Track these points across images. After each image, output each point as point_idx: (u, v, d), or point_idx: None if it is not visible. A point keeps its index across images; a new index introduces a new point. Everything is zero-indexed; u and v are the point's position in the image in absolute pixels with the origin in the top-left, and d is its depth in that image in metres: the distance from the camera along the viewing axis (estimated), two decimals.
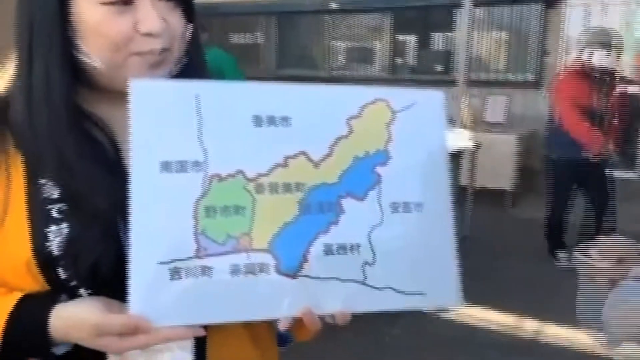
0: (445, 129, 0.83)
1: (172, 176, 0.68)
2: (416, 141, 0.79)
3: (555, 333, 2.98)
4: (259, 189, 0.70)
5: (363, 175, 0.75)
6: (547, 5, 6.17)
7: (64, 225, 0.70)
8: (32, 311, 0.69)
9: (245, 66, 5.48)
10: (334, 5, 7.16)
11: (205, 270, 0.67)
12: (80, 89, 0.74)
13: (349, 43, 7.37)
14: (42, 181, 0.71)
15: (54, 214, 0.70)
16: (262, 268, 0.69)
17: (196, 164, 0.69)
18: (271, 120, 0.73)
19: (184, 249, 0.67)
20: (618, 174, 4.10)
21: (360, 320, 0.72)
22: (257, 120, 0.72)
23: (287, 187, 0.72)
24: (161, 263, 0.66)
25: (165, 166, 0.68)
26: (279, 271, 0.70)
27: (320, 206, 0.73)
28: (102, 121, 0.75)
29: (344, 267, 0.72)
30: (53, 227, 0.70)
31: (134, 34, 0.70)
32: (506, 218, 5.13)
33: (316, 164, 0.73)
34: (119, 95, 0.70)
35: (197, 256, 0.67)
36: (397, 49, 7.07)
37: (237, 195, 0.70)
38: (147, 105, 0.68)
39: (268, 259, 0.70)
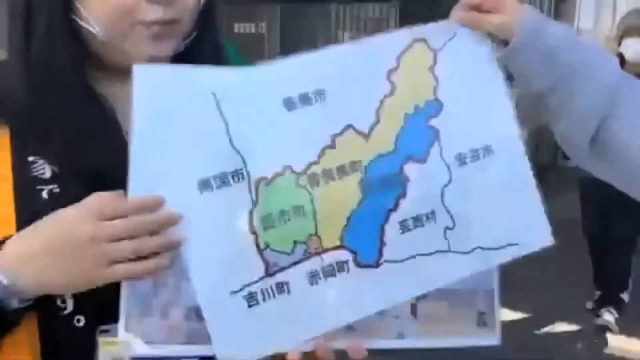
0: (495, 56, 0.73)
1: (214, 194, 0.61)
2: (466, 78, 0.71)
3: None
4: (313, 181, 0.64)
5: (419, 134, 0.68)
6: None
7: (57, 207, 0.62)
8: None
9: (248, 56, 5.43)
10: None
11: (282, 287, 0.62)
12: (87, 67, 0.69)
13: (354, 33, 7.33)
14: (32, 158, 0.66)
15: (45, 195, 0.65)
16: (341, 267, 0.64)
17: (236, 173, 0.62)
18: (305, 99, 0.66)
19: (253, 270, 0.61)
20: None
21: None
22: (289, 104, 0.65)
23: (343, 170, 0.65)
24: (233, 293, 0.61)
25: (204, 185, 0.61)
26: (359, 264, 0.65)
27: (383, 182, 0.66)
28: (108, 100, 0.69)
29: (424, 240, 0.67)
30: (41, 209, 0.63)
31: (139, 0, 0.65)
32: None
33: (366, 136, 0.67)
34: (120, 71, 0.66)
35: (269, 274, 0.62)
36: None
37: (291, 194, 0.63)
38: (161, 112, 0.61)
39: (344, 255, 0.64)
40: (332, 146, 0.65)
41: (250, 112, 0.64)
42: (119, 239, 0.59)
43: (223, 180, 0.62)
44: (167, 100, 0.63)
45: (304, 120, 0.65)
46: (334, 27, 7.37)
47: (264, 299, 0.61)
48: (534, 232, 0.72)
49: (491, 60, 0.73)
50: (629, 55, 2.73)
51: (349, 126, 0.66)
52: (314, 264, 0.63)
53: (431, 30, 0.72)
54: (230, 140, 0.63)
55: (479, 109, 0.71)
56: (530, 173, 0.72)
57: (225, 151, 0.62)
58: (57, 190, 0.65)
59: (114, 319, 0.61)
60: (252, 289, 0.61)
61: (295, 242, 0.63)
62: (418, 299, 0.69)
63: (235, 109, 0.63)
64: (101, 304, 0.63)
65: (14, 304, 0.60)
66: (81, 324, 0.65)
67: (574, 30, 5.32)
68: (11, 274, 0.59)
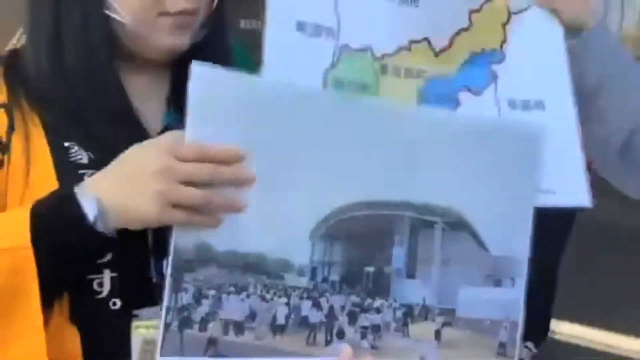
0: (560, 34, 0.81)
1: (306, 39, 0.67)
2: (532, 45, 0.79)
3: None
4: (384, 69, 0.71)
5: (480, 71, 0.76)
6: None
7: None
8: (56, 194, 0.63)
9: (255, 53, 5.46)
10: None
11: None
12: (114, 57, 0.71)
13: None
14: (67, 144, 0.68)
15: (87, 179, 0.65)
16: None
17: (330, 30, 0.68)
18: None
19: None
20: None
21: None
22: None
23: (409, 72, 0.72)
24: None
25: (301, 26, 0.67)
26: None
27: (438, 98, 0.73)
28: (130, 90, 0.71)
29: None
30: None
31: None
32: None
33: (436, 53, 0.74)
34: (144, 62, 0.70)
35: None
36: None
37: (364, 71, 0.70)
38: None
39: None
40: (408, 49, 0.72)
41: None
42: (187, 183, 0.58)
43: (317, 30, 0.68)
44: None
45: (395, 15, 0.72)
46: None
47: None
48: (573, 189, 0.78)
49: (557, 38, 0.80)
50: None
51: (426, 39, 0.73)
52: None
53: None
54: (336, 1, 0.68)
55: (538, 72, 0.78)
56: (578, 138, 0.78)
57: (328, 9, 0.68)
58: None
59: (148, 302, 0.62)
60: None
61: None
62: (443, 324, 0.71)
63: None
64: (136, 288, 0.64)
65: (101, 227, 0.60)
66: (117, 307, 0.66)
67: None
68: (94, 195, 0.60)
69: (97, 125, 0.67)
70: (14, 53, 0.73)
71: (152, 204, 0.58)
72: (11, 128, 0.67)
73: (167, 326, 0.60)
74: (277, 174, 0.65)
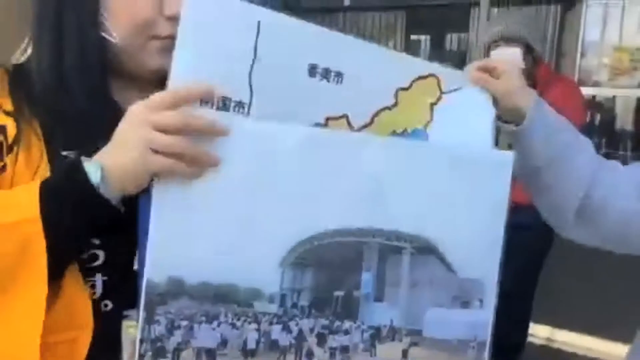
0: (491, 122, 0.80)
1: (209, 112, 0.64)
2: (458, 126, 0.77)
3: None
4: None
5: None
6: (565, 7, 6.06)
7: None
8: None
9: None
10: (346, 3, 7.04)
11: None
12: (107, 74, 0.75)
13: None
14: (65, 153, 0.70)
15: None
16: None
17: (239, 104, 0.67)
18: (325, 73, 0.71)
19: None
20: None
21: None
22: (313, 70, 0.70)
23: None
24: None
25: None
26: None
27: None
28: (123, 109, 0.71)
29: None
30: None
31: (158, 16, 0.71)
32: None
33: (355, 131, 0.73)
34: (134, 79, 0.74)
35: None
36: (411, 49, 6.96)
37: None
38: (201, 20, 0.64)
39: None
40: (324, 125, 0.72)
41: (280, 58, 0.69)
42: (167, 130, 0.62)
43: (224, 104, 0.66)
44: (214, 15, 0.66)
45: (315, 91, 0.71)
46: None
47: None
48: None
49: (486, 119, 0.80)
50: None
51: (345, 116, 0.73)
52: None
53: (446, 73, 0.79)
54: (250, 72, 0.67)
55: None
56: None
57: (241, 80, 0.67)
58: None
59: (138, 304, 0.65)
60: None
61: None
62: (410, 344, 0.74)
63: (270, 47, 0.68)
64: (126, 291, 0.67)
65: (102, 188, 0.64)
66: (108, 308, 0.71)
67: (579, 42, 5.38)
68: (98, 164, 0.64)
69: (93, 135, 0.69)
70: (20, 67, 0.77)
71: (137, 151, 0.62)
72: (18, 136, 0.71)
73: (141, 357, 0.65)
74: (247, 205, 0.68)
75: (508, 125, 0.85)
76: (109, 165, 0.64)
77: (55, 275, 0.65)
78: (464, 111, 0.79)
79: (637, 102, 4.02)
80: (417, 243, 0.74)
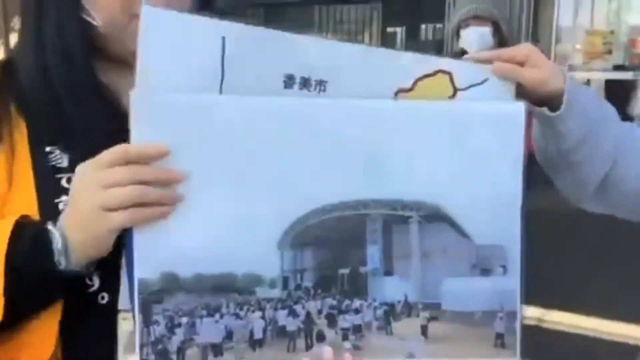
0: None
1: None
2: None
3: None
4: None
5: None
6: None
7: None
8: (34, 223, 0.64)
9: None
10: None
11: None
12: (91, 57, 0.72)
13: (337, 35, 7.30)
14: (48, 149, 0.68)
15: (64, 183, 0.67)
16: None
17: None
18: (305, 83, 0.65)
19: None
20: None
21: None
22: (289, 81, 0.64)
23: None
24: None
25: None
26: None
27: None
28: (108, 88, 0.72)
29: None
30: (63, 198, 0.66)
31: None
32: None
33: None
34: (121, 62, 0.69)
35: None
36: (387, 41, 6.97)
37: None
38: (159, 44, 0.60)
39: None
40: None
41: (250, 73, 0.64)
42: (116, 186, 0.59)
43: None
44: (174, 41, 0.62)
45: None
46: (317, 30, 7.35)
47: None
48: None
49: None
50: (471, 45, 2.40)
51: None
52: None
53: (461, 67, 0.71)
54: (220, 93, 0.63)
55: None
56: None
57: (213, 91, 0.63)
58: None
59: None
60: None
61: None
62: (429, 319, 0.70)
63: (238, 62, 0.63)
64: (122, 284, 0.66)
65: (63, 263, 0.61)
66: (104, 301, 0.68)
67: (552, 26, 5.39)
68: (62, 233, 0.61)
69: (75, 125, 0.68)
70: (7, 61, 0.75)
71: (92, 215, 0.59)
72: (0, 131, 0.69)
73: None
74: (235, 188, 0.63)
75: (541, 109, 0.76)
76: (71, 235, 0.61)
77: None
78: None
79: (608, 83, 4.12)
80: (424, 210, 0.69)
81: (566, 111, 0.75)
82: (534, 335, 2.95)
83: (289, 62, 0.65)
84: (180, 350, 0.61)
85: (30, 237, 0.62)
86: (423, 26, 6.81)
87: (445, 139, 0.69)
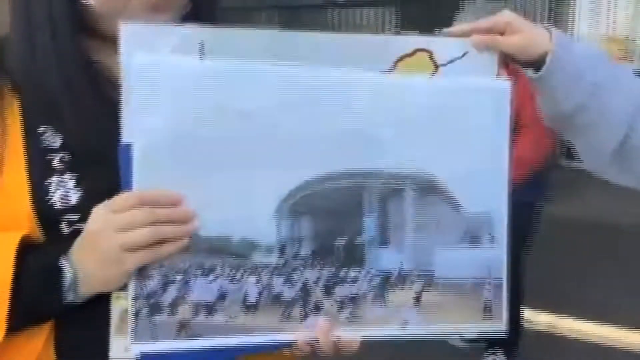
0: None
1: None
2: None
3: None
4: None
5: None
6: None
7: (67, 176, 0.66)
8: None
9: None
10: (337, 0, 7.08)
11: None
12: (82, 36, 0.70)
13: None
14: (41, 129, 0.67)
15: (56, 163, 0.66)
16: None
17: None
18: None
19: None
20: None
21: None
22: None
23: None
24: None
25: None
26: None
27: None
28: (105, 68, 0.70)
29: None
30: (54, 179, 0.65)
31: None
32: None
33: None
34: (116, 40, 0.65)
35: None
36: None
37: None
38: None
39: None
40: None
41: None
42: (133, 228, 0.60)
43: None
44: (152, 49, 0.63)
45: None
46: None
47: None
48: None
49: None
50: None
51: None
52: None
53: (439, 43, 0.72)
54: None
55: None
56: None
57: None
58: (68, 157, 0.67)
59: None
60: None
61: None
62: (422, 288, 0.71)
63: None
64: None
65: (71, 297, 0.63)
66: None
67: (570, 33, 5.34)
68: (73, 267, 0.63)
69: (65, 106, 0.67)
70: (3, 41, 0.73)
71: (114, 257, 0.61)
72: None
73: (136, 314, 0.61)
74: (236, 154, 0.64)
75: (526, 69, 0.76)
76: (84, 272, 0.63)
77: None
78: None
79: None
80: (418, 182, 0.70)
81: (555, 74, 0.74)
82: (545, 341, 2.94)
83: (268, 59, 0.66)
84: (173, 306, 0.62)
85: (40, 271, 0.63)
86: (437, 30, 6.80)
87: (434, 112, 0.71)
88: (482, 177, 0.72)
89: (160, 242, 0.61)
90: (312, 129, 0.67)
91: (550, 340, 2.93)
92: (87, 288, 0.63)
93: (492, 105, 0.73)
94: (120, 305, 0.64)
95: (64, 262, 0.63)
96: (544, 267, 2.72)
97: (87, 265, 0.62)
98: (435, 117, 0.71)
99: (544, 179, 2.43)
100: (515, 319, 2.60)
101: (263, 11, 7.62)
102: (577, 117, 0.77)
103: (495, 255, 0.73)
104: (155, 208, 0.61)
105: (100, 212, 0.62)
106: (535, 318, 3.05)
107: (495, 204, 0.73)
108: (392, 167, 0.69)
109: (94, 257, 0.62)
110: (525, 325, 2.75)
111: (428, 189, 0.71)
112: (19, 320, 0.62)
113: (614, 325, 2.97)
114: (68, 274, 0.63)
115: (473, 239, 0.72)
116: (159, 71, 0.63)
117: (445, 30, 0.75)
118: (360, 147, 0.68)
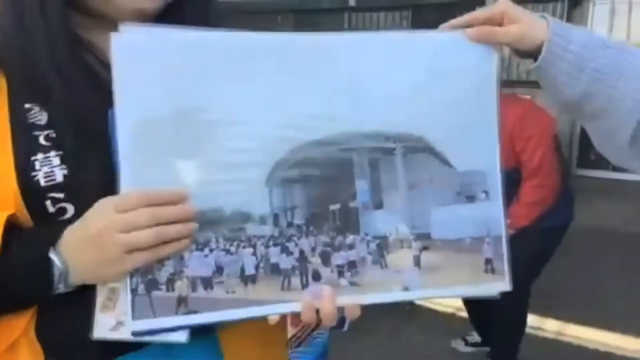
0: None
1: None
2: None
3: None
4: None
5: None
6: (571, 4, 5.92)
7: (52, 153, 0.65)
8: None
9: None
10: (351, 3, 7.05)
11: None
12: (72, 13, 0.69)
13: None
14: (28, 105, 0.67)
15: (42, 140, 0.66)
16: None
17: None
18: None
19: None
20: None
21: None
22: None
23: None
24: None
25: None
26: None
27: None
28: (94, 46, 0.70)
29: None
30: (40, 155, 0.65)
31: None
32: None
33: None
34: (105, 18, 0.67)
35: None
36: None
37: None
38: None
39: None
40: None
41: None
42: (137, 229, 0.60)
43: None
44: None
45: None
46: None
47: None
48: None
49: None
50: None
51: None
52: None
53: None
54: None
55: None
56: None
57: None
58: (54, 135, 0.66)
59: None
60: None
61: None
62: (421, 250, 0.70)
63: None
64: None
65: (61, 288, 0.64)
66: None
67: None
68: (64, 260, 0.63)
69: (52, 82, 0.66)
70: None
71: (114, 256, 0.61)
72: None
73: (133, 291, 0.62)
74: (224, 124, 0.65)
75: (525, 60, 0.75)
76: (76, 265, 0.63)
77: None
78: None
79: None
80: (407, 142, 0.70)
81: (554, 62, 0.72)
82: (552, 348, 2.91)
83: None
84: (170, 282, 0.63)
85: (29, 264, 0.63)
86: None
87: (420, 70, 0.70)
88: (472, 135, 0.72)
89: (163, 242, 0.62)
90: (300, 93, 0.67)
91: (556, 345, 2.87)
92: (78, 279, 0.63)
93: (479, 59, 0.72)
94: (107, 284, 0.64)
95: (53, 255, 0.62)
96: (554, 274, 2.67)
97: (82, 260, 0.62)
98: (419, 74, 0.70)
99: (566, 202, 2.46)
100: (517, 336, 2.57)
101: (277, 15, 7.65)
102: (584, 105, 0.74)
103: (491, 212, 0.72)
104: (159, 208, 0.61)
105: (104, 211, 0.61)
106: (542, 324, 3.02)
107: (487, 161, 0.72)
108: (382, 129, 0.69)
109: (93, 255, 0.62)
110: (531, 331, 2.74)
111: (418, 148, 0.70)
112: (3, 307, 0.63)
113: (622, 333, 2.92)
114: (58, 267, 0.62)
115: (468, 197, 0.71)
116: (147, 42, 0.63)
117: (443, 25, 0.75)
118: (348, 109, 0.68)
